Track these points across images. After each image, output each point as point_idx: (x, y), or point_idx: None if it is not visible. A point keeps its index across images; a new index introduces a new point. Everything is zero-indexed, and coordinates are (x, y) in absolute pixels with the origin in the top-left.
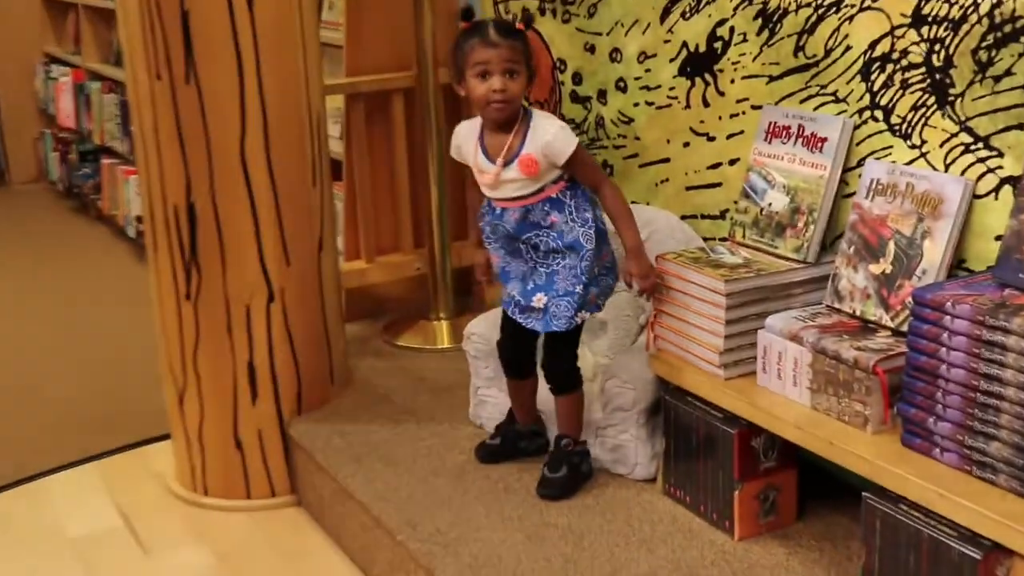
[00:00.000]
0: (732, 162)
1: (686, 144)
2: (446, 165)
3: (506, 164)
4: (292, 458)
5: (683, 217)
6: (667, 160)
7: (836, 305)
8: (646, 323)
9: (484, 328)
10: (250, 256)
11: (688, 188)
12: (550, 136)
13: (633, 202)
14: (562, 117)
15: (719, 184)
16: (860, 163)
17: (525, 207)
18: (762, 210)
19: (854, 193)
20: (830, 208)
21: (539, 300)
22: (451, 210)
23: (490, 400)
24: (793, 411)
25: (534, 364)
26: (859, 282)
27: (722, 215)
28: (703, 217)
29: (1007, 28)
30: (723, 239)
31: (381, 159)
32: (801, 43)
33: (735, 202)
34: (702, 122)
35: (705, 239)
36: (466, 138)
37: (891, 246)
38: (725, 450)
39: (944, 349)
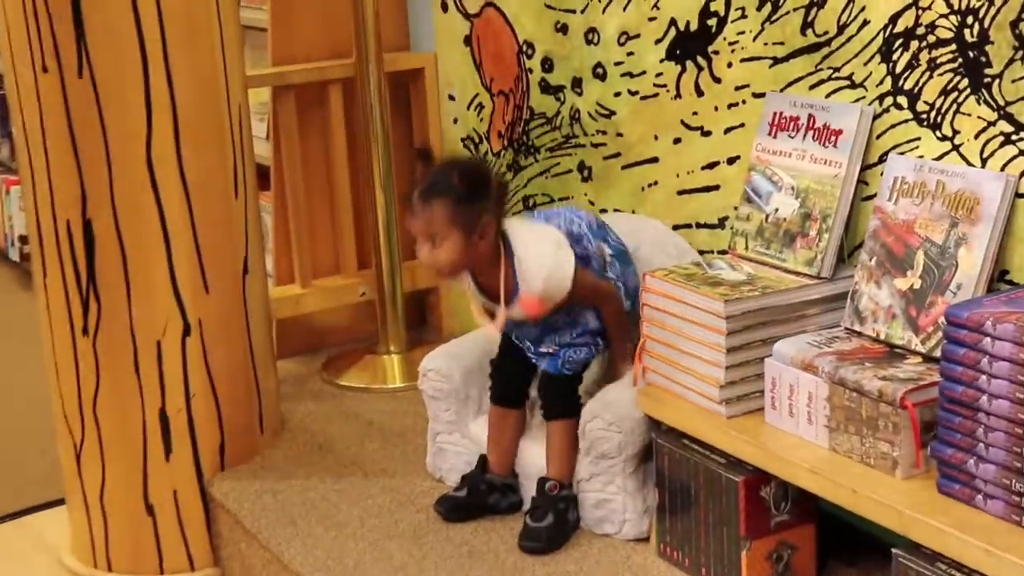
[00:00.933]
0: (731, 160)
1: (677, 140)
2: (394, 169)
3: (508, 303)
4: (215, 523)
5: (675, 227)
6: (655, 160)
7: (856, 327)
8: (633, 353)
9: (443, 363)
10: (160, 282)
11: (680, 192)
12: (541, 281)
13: (616, 210)
14: (530, 111)
15: (716, 187)
16: (882, 159)
17: (539, 324)
18: (767, 217)
19: (875, 195)
20: (847, 213)
21: (549, 347)
22: (402, 223)
23: (451, 448)
24: (808, 454)
25: (527, 395)
26: (883, 300)
27: (721, 223)
28: (699, 226)
29: None
30: (722, 252)
31: (316, 163)
32: (810, 19)
33: (735, 208)
34: (695, 114)
35: (701, 252)
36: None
37: (920, 256)
38: (729, 502)
39: (984, 377)
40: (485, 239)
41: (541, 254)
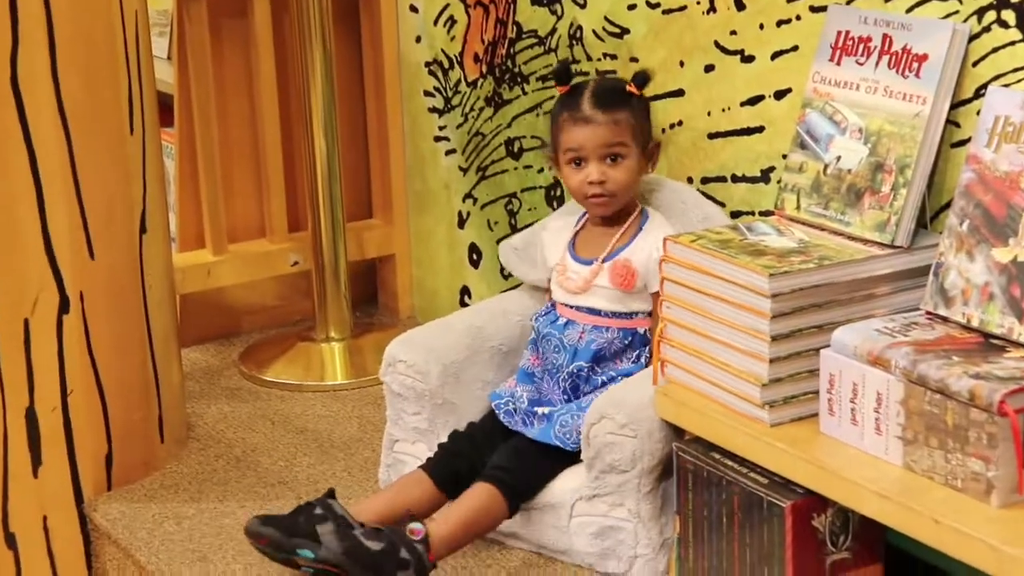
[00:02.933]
0: (780, 95)
1: (709, 68)
2: (338, 103)
3: (604, 262)
4: (98, 559)
5: (705, 180)
6: (679, 93)
7: (942, 311)
8: (650, 342)
9: (419, 356)
10: (30, 243)
11: (712, 135)
12: (657, 243)
13: None
14: (516, 28)
15: (760, 129)
16: (979, 93)
17: (601, 329)
18: (826, 167)
19: (969, 140)
20: (932, 163)
21: (544, 410)
22: (347, 174)
23: (412, 461)
24: (876, 473)
25: (457, 492)
26: (977, 276)
27: (765, 176)
28: (736, 180)
29: None
30: (766, 213)
31: (235, 93)
32: None
33: (784, 156)
34: (733, 33)
35: (737, 214)
36: (558, 232)
37: None
38: (773, 534)
39: None
40: (652, 164)
41: (662, 232)
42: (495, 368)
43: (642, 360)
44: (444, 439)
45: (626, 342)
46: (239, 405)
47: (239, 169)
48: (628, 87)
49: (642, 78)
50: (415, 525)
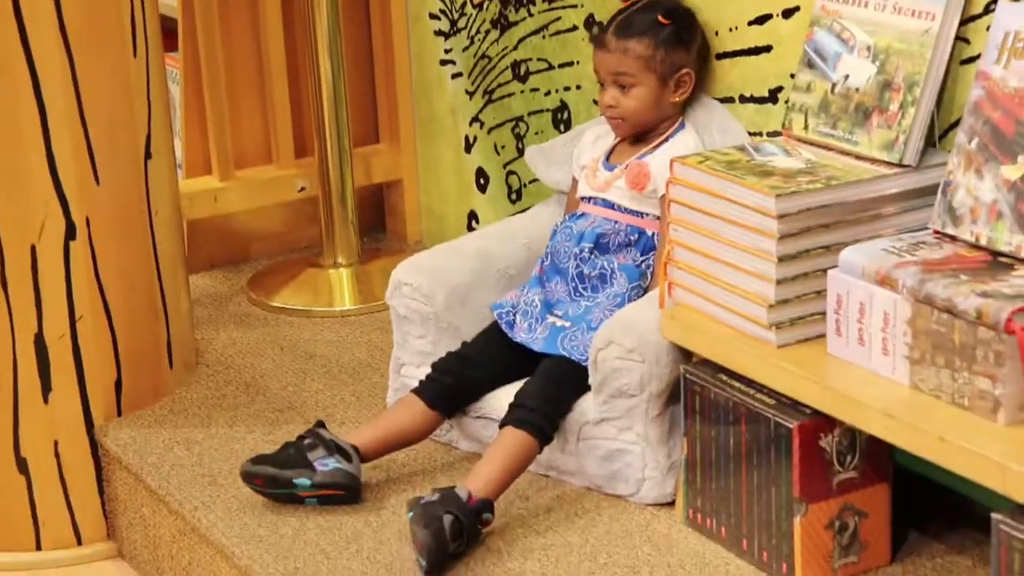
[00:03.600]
0: (787, 13)
1: None
2: (343, 26)
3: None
4: (109, 483)
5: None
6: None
7: (950, 230)
8: (655, 247)
9: (425, 279)
10: (35, 167)
11: (719, 56)
12: (678, 154)
13: None
14: None
15: (767, 48)
16: (989, 9)
17: (610, 220)
18: (834, 86)
19: (978, 57)
20: (941, 81)
21: (556, 320)
22: (353, 99)
23: None
24: (883, 392)
25: (464, 410)
26: (986, 194)
27: (772, 96)
28: (744, 100)
29: None
30: (774, 133)
31: (240, 17)
32: None
33: (792, 75)
34: None
35: (750, 135)
36: (599, 139)
37: None
38: (780, 455)
39: None
40: (679, 93)
41: (690, 148)
42: (500, 292)
43: (643, 266)
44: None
45: (632, 237)
46: (247, 331)
47: (244, 94)
48: (659, 16)
49: (671, 8)
50: (467, 493)
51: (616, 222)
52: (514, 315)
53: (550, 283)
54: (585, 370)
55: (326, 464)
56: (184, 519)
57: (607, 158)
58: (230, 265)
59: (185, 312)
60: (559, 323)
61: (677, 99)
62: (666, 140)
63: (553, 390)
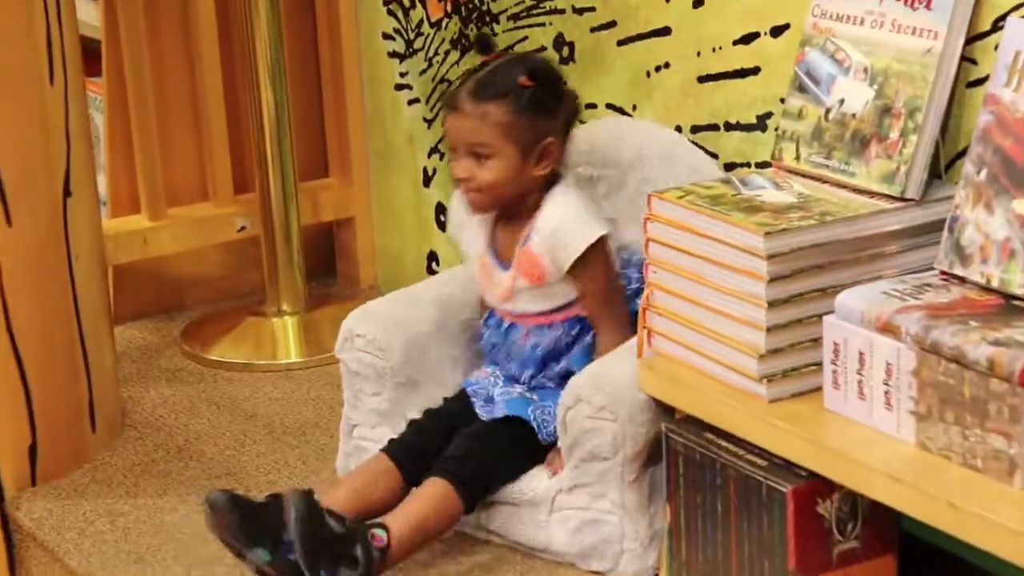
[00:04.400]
0: (776, 31)
1: (698, 2)
2: (286, 48)
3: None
4: (21, 564)
5: (695, 129)
6: (666, 31)
7: (958, 271)
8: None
9: (379, 330)
10: None
11: (702, 79)
12: (554, 223)
13: (609, 105)
14: None
15: (755, 70)
16: (997, 26)
17: (543, 328)
18: (828, 112)
19: (987, 79)
20: (945, 105)
21: (525, 392)
22: (299, 128)
23: (374, 448)
24: (887, 452)
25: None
26: (997, 230)
27: (761, 123)
28: (729, 127)
29: None
30: (763, 164)
31: (171, 37)
32: None
33: (782, 100)
34: None
35: (731, 167)
36: (470, 220)
37: None
38: (773, 523)
39: None
40: (542, 166)
41: (567, 203)
42: (465, 343)
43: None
44: (407, 421)
45: (574, 333)
46: (181, 388)
47: (177, 123)
48: (522, 78)
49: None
50: (379, 531)
51: (550, 327)
52: (487, 392)
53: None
54: (532, 445)
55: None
56: None
57: (495, 254)
58: (161, 314)
59: (109, 368)
60: (529, 395)
61: (540, 172)
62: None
63: (496, 450)
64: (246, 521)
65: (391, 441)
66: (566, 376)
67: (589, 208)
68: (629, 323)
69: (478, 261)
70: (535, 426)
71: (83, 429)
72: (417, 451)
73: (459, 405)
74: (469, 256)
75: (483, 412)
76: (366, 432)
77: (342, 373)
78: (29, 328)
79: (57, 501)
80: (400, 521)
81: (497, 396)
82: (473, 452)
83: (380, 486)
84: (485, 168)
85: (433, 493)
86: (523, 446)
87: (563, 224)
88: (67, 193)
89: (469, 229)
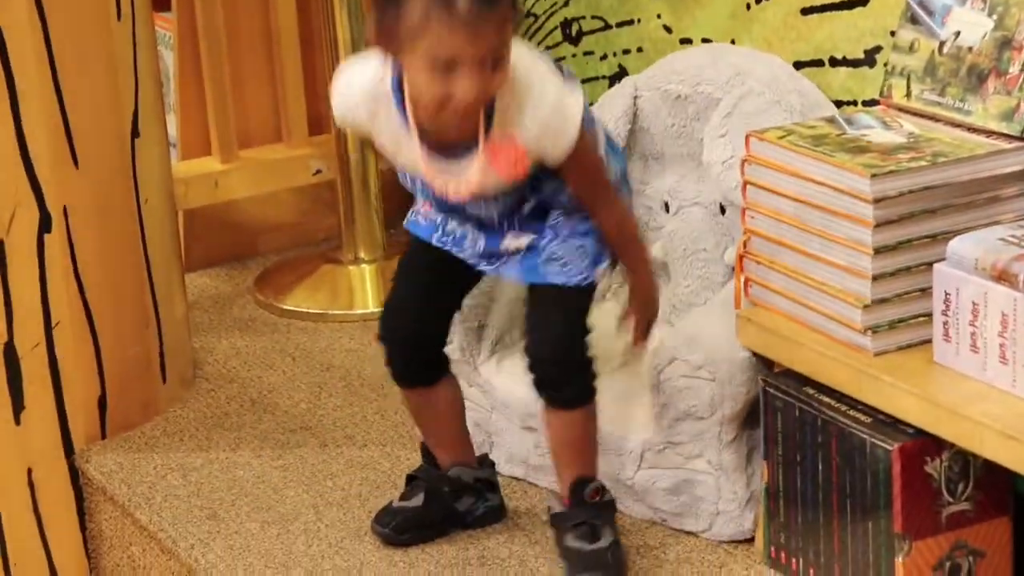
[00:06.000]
0: None
1: None
2: None
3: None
4: (92, 517)
5: (798, 65)
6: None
7: None
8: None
9: None
10: (2, 149)
11: (805, 11)
12: (546, 110)
13: (705, 40)
14: None
15: (863, 1)
16: None
17: (500, 200)
18: (943, 45)
19: None
20: None
21: (516, 241)
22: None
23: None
24: (1002, 408)
25: (446, 357)
26: None
27: (870, 58)
28: (835, 63)
29: None
30: (871, 103)
31: None
32: None
33: (892, 33)
34: None
35: (838, 104)
36: (374, 98)
37: None
38: (878, 483)
39: None
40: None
41: (543, 79)
42: None
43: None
44: (482, 372)
45: (537, 183)
46: (254, 338)
47: (249, 61)
48: None
49: None
50: (589, 488)
51: (510, 195)
52: (452, 238)
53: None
54: (585, 291)
55: (478, 509)
56: (179, 559)
57: (433, 148)
58: (234, 261)
59: (180, 317)
60: (519, 244)
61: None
62: (506, 103)
63: (567, 329)
64: (426, 527)
65: (395, 365)
66: (543, 208)
67: (556, 73)
68: (615, 187)
69: (392, 141)
70: (563, 281)
71: (153, 380)
72: (421, 349)
73: (428, 260)
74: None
75: (514, 273)
76: None
77: None
78: (97, 276)
79: (127, 454)
80: (577, 458)
81: (506, 256)
82: (562, 340)
83: (443, 403)
84: (494, 78)
85: (576, 422)
86: (576, 300)
87: (556, 109)
88: (135, 134)
89: (370, 104)
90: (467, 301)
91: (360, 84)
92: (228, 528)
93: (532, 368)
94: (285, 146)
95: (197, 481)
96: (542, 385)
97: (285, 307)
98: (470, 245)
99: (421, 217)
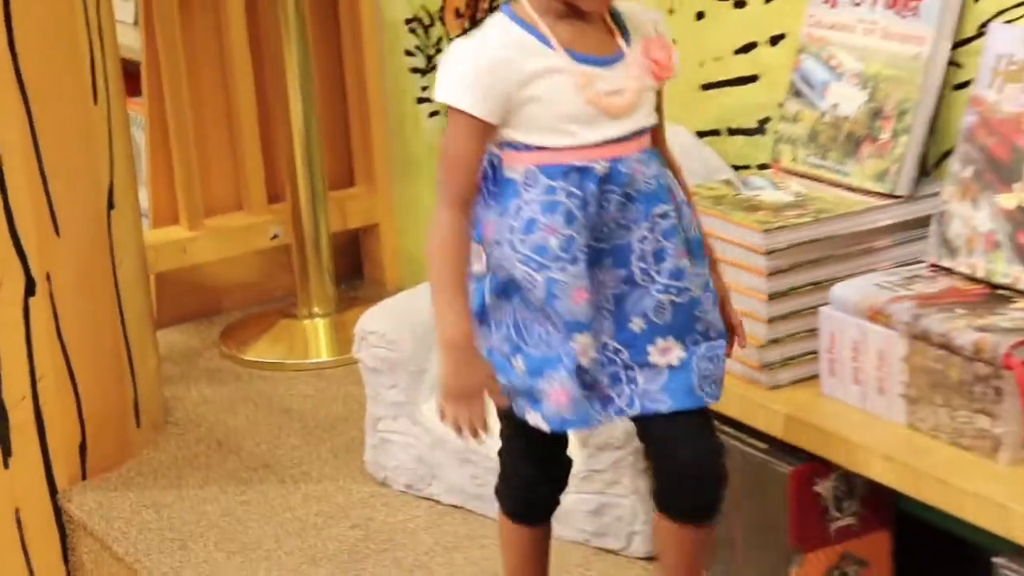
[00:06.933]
0: (775, 40)
1: (700, 15)
2: (315, 68)
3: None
4: (74, 551)
5: (700, 134)
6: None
7: (946, 262)
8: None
9: (387, 324)
10: None
11: (705, 87)
12: (655, 13)
13: None
14: None
15: (754, 78)
16: (981, 31)
17: (647, 156)
18: (823, 115)
19: (971, 82)
20: (933, 108)
21: (667, 351)
22: (327, 139)
23: (398, 439)
24: (881, 434)
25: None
26: (982, 224)
27: (761, 127)
28: (732, 132)
29: None
30: (763, 166)
31: (207, 59)
32: None
33: (780, 105)
34: None
35: (735, 168)
36: (518, 48)
37: None
38: (774, 501)
39: None
40: None
41: None
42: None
43: (678, 214)
44: (424, 411)
45: (650, 159)
46: (219, 387)
47: (213, 139)
48: None
49: None
50: None
51: (650, 157)
52: (583, 391)
53: (592, 300)
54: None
55: None
56: None
57: (585, 59)
58: (201, 318)
59: (153, 369)
60: (673, 356)
61: None
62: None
63: (711, 442)
64: None
65: (508, 498)
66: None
67: None
68: None
69: (567, 80)
70: (710, 400)
71: (129, 426)
72: (547, 496)
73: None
74: (527, 91)
75: (663, 404)
76: (389, 424)
77: (361, 371)
78: (77, 333)
79: (105, 493)
80: (693, 570)
81: (632, 386)
82: (707, 455)
83: (546, 542)
84: None
85: (702, 533)
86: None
87: (661, 18)
88: (111, 205)
89: (518, 56)
90: (407, 348)
91: (498, 39)
92: (197, 557)
93: (674, 492)
94: (246, 214)
95: (168, 516)
96: (684, 507)
97: (247, 358)
98: (603, 389)
99: (555, 404)
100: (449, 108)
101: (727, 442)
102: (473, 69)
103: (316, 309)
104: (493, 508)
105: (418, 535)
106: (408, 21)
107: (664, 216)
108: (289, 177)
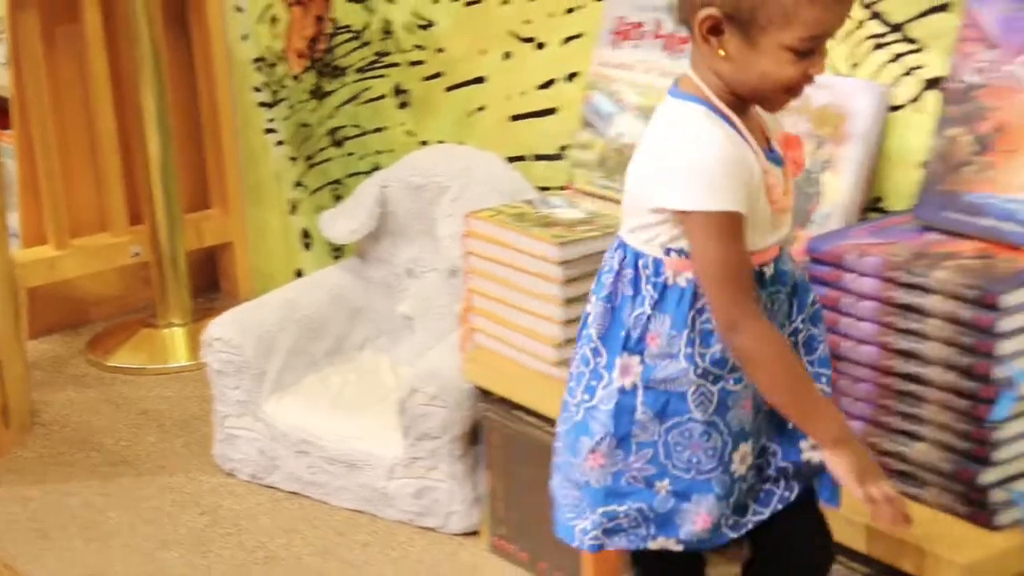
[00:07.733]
0: (571, 77)
1: (507, 55)
2: (168, 100)
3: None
4: None
5: (510, 159)
6: (482, 80)
7: None
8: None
9: (232, 331)
10: None
11: (514, 118)
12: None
13: (440, 142)
14: (333, 24)
15: (553, 111)
16: None
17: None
18: (610, 143)
19: None
20: None
21: (816, 445)
22: (183, 166)
23: (243, 434)
24: None
25: None
26: None
27: (560, 154)
28: (537, 158)
29: None
30: (561, 187)
31: (71, 94)
32: None
33: (576, 135)
34: (527, 22)
35: (540, 189)
36: (738, 144)
37: None
38: None
39: (847, 319)
40: None
41: None
42: (307, 336)
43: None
44: (265, 409)
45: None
46: (85, 391)
47: (78, 166)
48: None
49: None
50: None
51: (785, 250)
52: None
53: (757, 399)
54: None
55: None
56: (16, 572)
57: (768, 150)
58: (69, 329)
59: (21, 376)
60: (815, 456)
61: None
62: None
63: (827, 534)
64: None
65: None
66: (825, 363)
67: None
68: None
69: (763, 180)
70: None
71: None
72: None
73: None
74: (753, 188)
75: (765, 510)
76: (234, 421)
77: (208, 374)
78: None
79: None
80: None
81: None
82: (826, 546)
83: None
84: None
85: None
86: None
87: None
88: None
89: (742, 150)
90: (249, 352)
91: (723, 132)
92: (59, 545)
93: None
94: (109, 234)
95: (33, 509)
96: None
97: (111, 364)
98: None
99: (696, 528)
100: (706, 216)
101: (534, 436)
102: (720, 166)
103: (174, 319)
104: (327, 494)
105: (260, 519)
106: (256, 60)
107: (814, 303)
108: (147, 201)
